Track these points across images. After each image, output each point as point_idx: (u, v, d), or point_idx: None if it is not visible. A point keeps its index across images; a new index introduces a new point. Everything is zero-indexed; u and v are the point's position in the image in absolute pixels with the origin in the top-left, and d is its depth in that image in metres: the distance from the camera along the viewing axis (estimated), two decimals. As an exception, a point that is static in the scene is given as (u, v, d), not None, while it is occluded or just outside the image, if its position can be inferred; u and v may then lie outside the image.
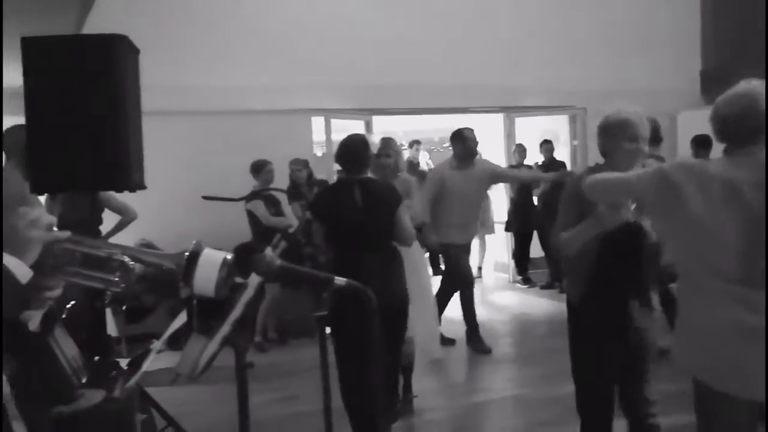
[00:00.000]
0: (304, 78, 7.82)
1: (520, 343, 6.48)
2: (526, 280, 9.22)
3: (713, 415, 2.26)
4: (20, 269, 1.45)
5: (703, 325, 2.24)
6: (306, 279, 1.89)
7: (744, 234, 2.12)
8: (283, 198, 6.72)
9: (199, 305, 3.36)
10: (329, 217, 3.73)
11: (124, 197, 4.68)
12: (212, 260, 1.51)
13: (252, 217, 6.44)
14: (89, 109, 2.95)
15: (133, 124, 3.12)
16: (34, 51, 2.97)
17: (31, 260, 1.47)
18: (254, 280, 1.83)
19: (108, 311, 4.27)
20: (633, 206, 2.56)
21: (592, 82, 8.88)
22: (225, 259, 1.52)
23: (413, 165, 9.52)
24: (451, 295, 6.31)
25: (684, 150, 7.47)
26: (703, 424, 2.31)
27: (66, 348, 2.49)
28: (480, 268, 9.94)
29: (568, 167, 9.24)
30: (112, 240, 3.98)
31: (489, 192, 9.49)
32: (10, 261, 1.45)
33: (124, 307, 5.69)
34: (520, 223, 9.02)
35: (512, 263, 9.47)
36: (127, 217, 5.22)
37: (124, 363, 3.50)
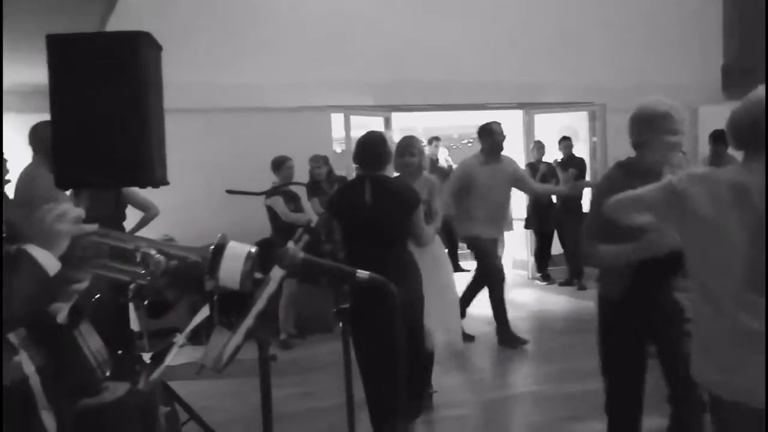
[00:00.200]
0: (324, 75, 7.84)
1: (539, 339, 6.46)
2: (545, 277, 9.19)
3: (727, 424, 2.23)
4: (49, 261, 1.48)
5: (711, 333, 2.22)
6: (328, 273, 1.91)
7: (751, 239, 2.09)
8: (302, 194, 6.75)
9: (220, 300, 3.39)
10: (342, 214, 3.76)
11: (147, 194, 4.75)
12: (237, 253, 1.52)
13: (272, 212, 6.48)
14: (113, 106, 2.97)
15: (156, 120, 3.14)
16: (59, 48, 3.00)
17: (59, 253, 1.50)
18: (277, 273, 1.84)
19: (130, 306, 4.31)
20: None
21: (612, 78, 8.82)
22: (250, 253, 1.54)
23: (432, 162, 9.51)
24: (479, 291, 6.29)
25: (704, 146, 7.40)
26: None
27: (91, 341, 2.52)
28: (499, 265, 9.92)
29: (588, 164, 9.19)
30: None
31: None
32: (38, 253, 1.48)
33: (146, 302, 5.74)
34: (540, 221, 8.99)
35: (531, 260, 9.44)
36: (149, 214, 5.27)
37: (146, 357, 3.54)
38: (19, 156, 4.86)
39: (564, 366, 5.55)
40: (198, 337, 4.12)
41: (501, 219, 6.32)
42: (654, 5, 9.15)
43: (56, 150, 3.04)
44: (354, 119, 8.31)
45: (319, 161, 6.98)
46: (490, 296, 6.23)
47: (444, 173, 9.31)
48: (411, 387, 4.05)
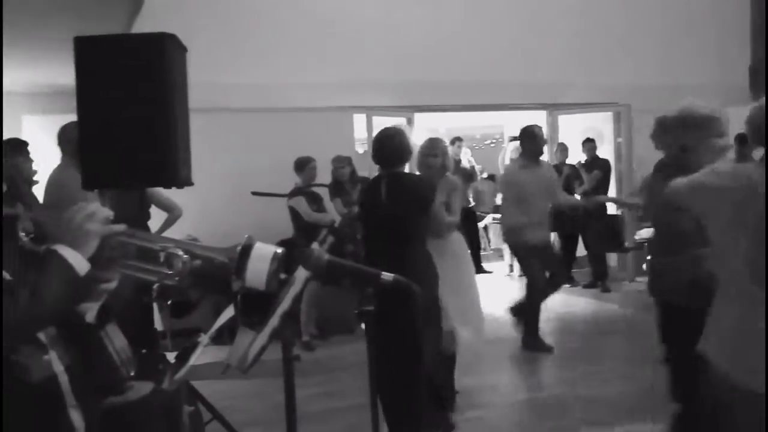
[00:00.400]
0: (346, 75, 7.85)
1: (562, 342, 6.41)
2: (569, 279, 9.11)
3: (739, 413, 2.24)
4: (78, 261, 1.50)
5: (722, 324, 2.25)
6: (352, 275, 1.90)
7: (754, 234, 2.10)
8: (324, 195, 6.77)
9: (243, 300, 3.40)
10: (362, 213, 3.77)
11: (170, 194, 4.79)
12: (263, 254, 1.53)
13: (294, 213, 6.50)
14: (139, 107, 3.00)
15: (181, 121, 3.17)
16: (86, 50, 3.03)
17: (88, 253, 1.51)
18: (302, 274, 1.84)
19: (154, 306, 4.35)
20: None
21: (638, 78, 8.73)
22: (276, 253, 1.55)
23: (455, 163, 9.49)
24: (536, 300, 6.23)
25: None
26: (729, 422, 2.30)
27: (116, 340, 2.54)
28: (521, 267, 9.88)
29: (612, 166, 9.12)
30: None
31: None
32: (68, 253, 1.49)
33: (169, 302, 5.79)
34: (564, 224, 8.92)
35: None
36: (173, 214, 5.30)
37: (170, 356, 3.57)
38: (47, 156, 4.92)
39: (587, 369, 5.50)
40: (221, 337, 4.15)
41: (544, 223, 6.22)
42: (680, 5, 9.05)
43: (82, 150, 3.07)
44: (376, 120, 8.31)
45: (343, 162, 6.98)
46: (526, 300, 6.20)
47: (467, 174, 9.29)
48: (432, 392, 4.03)
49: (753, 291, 2.10)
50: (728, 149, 2.83)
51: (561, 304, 8.13)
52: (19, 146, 4.67)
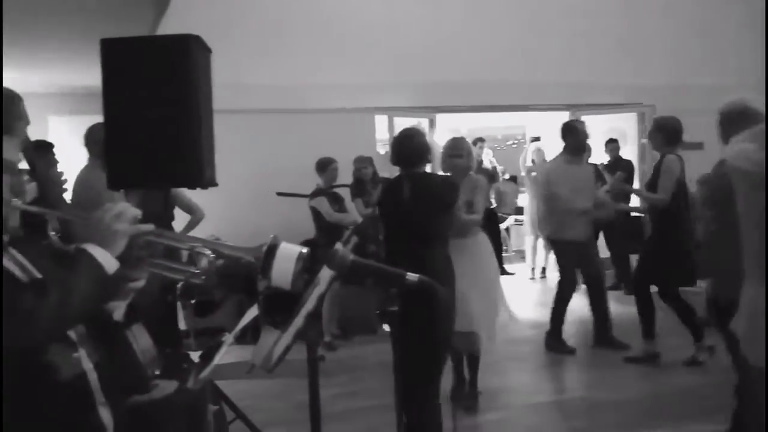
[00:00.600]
0: (368, 76, 7.86)
1: (585, 344, 6.36)
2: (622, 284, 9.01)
3: (757, 391, 2.35)
4: (107, 260, 1.52)
5: (746, 303, 2.37)
6: (376, 275, 1.90)
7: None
8: (346, 195, 6.79)
9: (266, 300, 3.42)
10: (383, 213, 3.79)
11: (193, 194, 4.82)
12: (289, 254, 1.54)
13: (316, 213, 6.52)
14: (164, 108, 3.03)
15: (206, 122, 3.19)
16: (113, 52, 3.07)
17: (117, 252, 1.53)
18: (326, 274, 1.85)
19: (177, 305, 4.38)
20: None
21: (661, 79, 8.65)
22: (301, 253, 1.56)
23: (477, 163, 9.47)
24: (566, 300, 6.20)
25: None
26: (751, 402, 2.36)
27: (141, 339, 2.57)
28: (544, 269, 9.83)
29: (636, 167, 9.03)
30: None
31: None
32: (97, 252, 1.51)
33: (193, 301, 5.83)
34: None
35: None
36: (195, 217, 5.32)
37: (194, 356, 3.59)
38: (74, 157, 4.98)
39: (609, 372, 5.46)
40: (243, 336, 4.17)
41: (585, 219, 6.14)
42: (704, 5, 8.95)
43: (108, 151, 3.10)
44: (398, 121, 8.32)
45: (364, 162, 7.00)
46: (555, 298, 6.17)
47: (488, 175, 9.26)
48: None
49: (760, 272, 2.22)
50: None
51: (584, 306, 8.08)
52: (45, 148, 4.72)
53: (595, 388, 5.16)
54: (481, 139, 10.48)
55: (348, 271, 1.78)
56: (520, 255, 11.09)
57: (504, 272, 9.33)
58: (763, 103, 2.89)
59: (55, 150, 4.91)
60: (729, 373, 3.64)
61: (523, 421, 4.66)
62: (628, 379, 5.33)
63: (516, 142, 14.22)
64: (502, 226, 11.07)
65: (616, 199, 7.16)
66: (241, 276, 1.96)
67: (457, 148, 4.57)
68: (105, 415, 1.65)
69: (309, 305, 1.80)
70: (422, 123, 8.58)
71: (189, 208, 5.28)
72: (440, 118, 8.90)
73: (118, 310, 1.78)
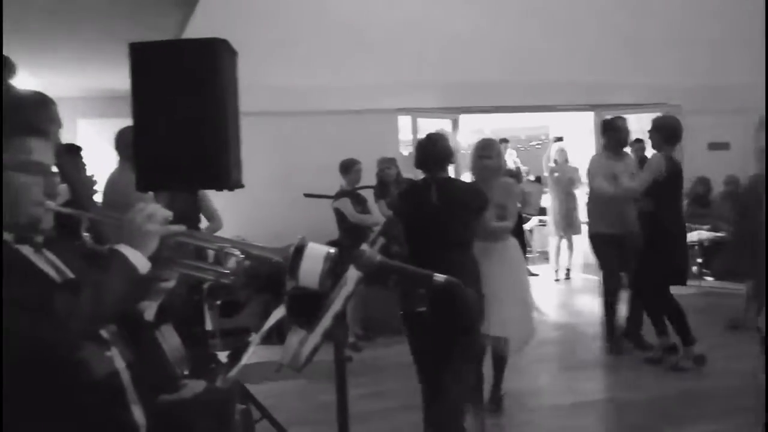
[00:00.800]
0: (392, 78, 7.87)
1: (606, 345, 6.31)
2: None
3: None
4: (139, 261, 1.55)
5: None
6: (402, 275, 1.91)
7: None
8: (369, 196, 6.80)
9: (291, 300, 3.44)
10: (407, 216, 3.80)
11: (220, 197, 4.85)
12: (316, 254, 1.56)
13: (339, 215, 6.55)
14: (191, 110, 3.07)
15: (232, 124, 3.22)
16: (141, 56, 3.11)
17: (149, 252, 1.56)
18: (353, 274, 1.86)
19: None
20: None
21: (688, 78, 8.55)
22: (328, 253, 1.58)
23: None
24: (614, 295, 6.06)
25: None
26: None
27: (170, 339, 2.60)
28: (568, 270, 9.77)
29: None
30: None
31: (576, 191, 9.32)
32: (130, 253, 1.54)
33: (218, 302, 5.86)
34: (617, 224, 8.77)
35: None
36: (214, 225, 5.30)
37: (221, 356, 3.62)
38: (103, 159, 5.05)
39: (635, 374, 5.42)
40: (268, 337, 4.19)
41: (627, 214, 5.94)
42: (731, 4, 8.84)
43: (137, 153, 3.15)
44: (421, 122, 8.32)
45: (388, 163, 7.01)
46: (603, 300, 6.09)
47: (512, 176, 9.21)
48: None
49: None
50: None
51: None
52: (73, 151, 4.79)
53: (620, 390, 5.14)
54: (504, 140, 10.44)
55: (375, 271, 1.78)
56: (544, 256, 11.04)
57: (528, 273, 9.28)
58: None
59: (82, 153, 4.98)
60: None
61: (549, 423, 4.64)
62: (652, 380, 5.28)
63: (540, 142, 14.16)
64: (526, 227, 11.02)
65: None
66: (268, 276, 1.98)
67: (486, 149, 4.54)
68: (138, 413, 1.67)
69: (336, 305, 1.81)
70: (446, 124, 8.58)
71: (210, 216, 5.28)
72: (463, 118, 8.90)
73: (149, 309, 1.81)
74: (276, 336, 2.24)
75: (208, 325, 5.77)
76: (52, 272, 1.66)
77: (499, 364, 4.68)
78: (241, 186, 3.35)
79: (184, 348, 2.72)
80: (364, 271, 1.77)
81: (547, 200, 10.55)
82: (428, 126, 8.28)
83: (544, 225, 10.96)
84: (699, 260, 8.73)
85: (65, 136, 3.45)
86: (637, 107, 9.17)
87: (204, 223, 5.32)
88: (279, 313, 3.01)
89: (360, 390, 5.07)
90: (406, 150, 8.84)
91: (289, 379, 5.05)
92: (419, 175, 4.03)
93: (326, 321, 1.78)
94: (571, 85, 8.58)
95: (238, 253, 1.58)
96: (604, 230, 5.92)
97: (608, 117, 6.23)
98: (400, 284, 3.36)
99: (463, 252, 3.73)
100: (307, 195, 6.13)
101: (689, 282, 8.59)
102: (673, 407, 4.66)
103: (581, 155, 9.73)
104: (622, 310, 6.14)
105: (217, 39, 3.14)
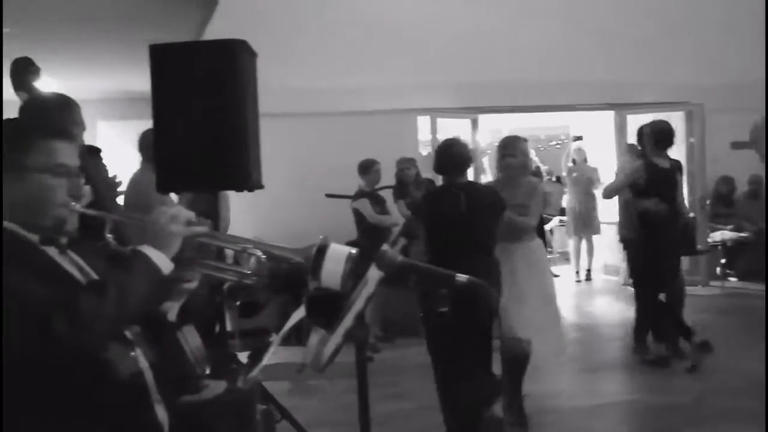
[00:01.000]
0: (410, 78, 7.86)
1: (626, 346, 6.26)
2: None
3: None
4: (162, 261, 1.55)
5: None
6: (426, 276, 1.91)
7: None
8: (388, 197, 6.80)
9: (310, 301, 3.45)
10: (431, 220, 3.81)
11: (240, 197, 4.86)
12: (338, 254, 1.56)
13: (358, 215, 6.55)
14: (211, 111, 3.08)
15: (252, 125, 3.23)
16: (161, 57, 3.13)
17: (172, 253, 1.57)
18: (374, 274, 1.85)
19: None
20: None
21: (710, 76, 8.45)
22: (350, 254, 1.58)
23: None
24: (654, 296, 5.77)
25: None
26: None
27: (191, 339, 2.61)
28: (589, 271, 9.71)
29: (684, 166, 8.84)
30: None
31: (595, 191, 9.25)
32: (153, 254, 1.55)
33: (238, 303, 5.89)
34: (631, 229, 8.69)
35: (623, 266, 9.16)
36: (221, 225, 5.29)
37: (242, 356, 3.63)
38: (123, 162, 5.08)
39: (656, 376, 5.36)
40: (288, 338, 4.20)
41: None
42: (753, 1, 8.73)
43: (157, 154, 3.17)
44: (440, 122, 8.30)
45: (407, 163, 7.00)
46: (637, 301, 5.98)
47: (534, 175, 9.17)
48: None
49: None
50: None
51: (629, 310, 7.95)
52: (93, 152, 4.82)
53: (640, 392, 5.09)
54: (524, 140, 10.37)
55: (396, 271, 1.78)
56: (564, 257, 10.97)
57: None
58: None
59: (102, 155, 5.01)
60: None
61: (569, 424, 4.60)
62: (673, 381, 5.23)
63: (560, 142, 14.07)
64: (546, 227, 10.96)
65: None
66: (288, 277, 1.98)
67: (509, 147, 4.51)
68: (161, 413, 1.68)
69: (358, 305, 1.81)
70: (464, 124, 8.55)
71: (223, 219, 5.28)
72: (483, 118, 8.87)
73: (172, 310, 1.82)
74: (294, 337, 2.24)
75: (228, 326, 5.80)
76: (76, 273, 1.67)
77: (521, 365, 4.63)
78: (261, 187, 3.36)
79: (205, 348, 2.74)
80: (386, 271, 1.76)
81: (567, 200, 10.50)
82: (447, 126, 8.26)
83: (564, 225, 10.90)
84: (722, 261, 8.64)
85: (86, 139, 3.48)
86: (659, 106, 9.07)
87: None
88: (299, 313, 3.02)
89: (381, 391, 5.06)
90: (425, 150, 8.83)
91: (306, 380, 5.06)
92: (438, 177, 4.06)
93: (348, 321, 1.77)
94: (591, 85, 8.51)
95: (259, 253, 1.58)
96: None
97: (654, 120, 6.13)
98: (420, 284, 3.36)
99: (487, 255, 3.76)
100: (328, 195, 6.15)
101: (712, 282, 8.59)
102: (694, 409, 4.61)
103: (601, 155, 9.68)
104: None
105: (237, 40, 3.14)
